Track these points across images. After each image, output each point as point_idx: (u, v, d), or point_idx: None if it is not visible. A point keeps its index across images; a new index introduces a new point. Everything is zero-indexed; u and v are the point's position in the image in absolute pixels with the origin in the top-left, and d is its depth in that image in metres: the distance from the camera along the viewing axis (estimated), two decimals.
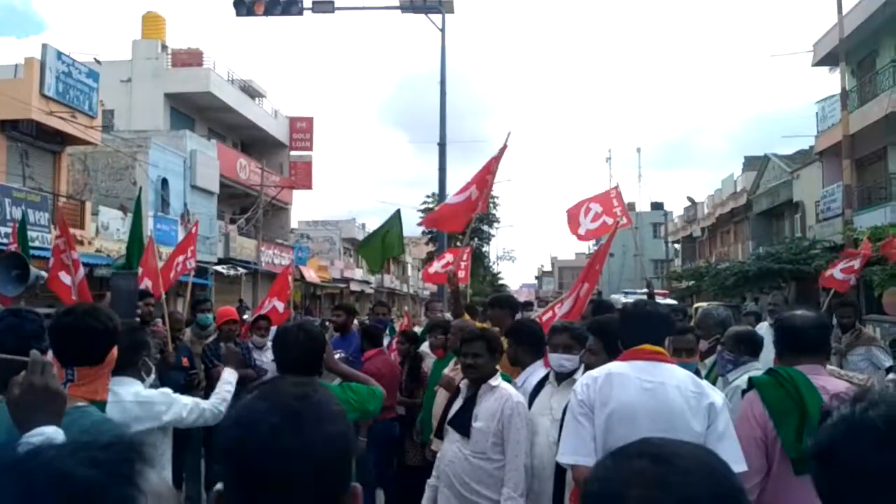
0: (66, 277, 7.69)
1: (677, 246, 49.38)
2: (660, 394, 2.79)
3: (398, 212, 9.25)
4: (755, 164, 33.28)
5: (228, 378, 3.71)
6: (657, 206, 52.33)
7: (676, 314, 10.58)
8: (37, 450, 0.65)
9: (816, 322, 3.09)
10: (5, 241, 13.40)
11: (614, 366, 2.95)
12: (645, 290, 20.47)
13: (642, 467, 0.99)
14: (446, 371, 4.99)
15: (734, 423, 2.89)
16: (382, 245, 9.10)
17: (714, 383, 4.39)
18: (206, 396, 6.41)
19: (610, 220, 7.06)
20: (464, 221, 7.23)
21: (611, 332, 3.37)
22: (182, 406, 3.18)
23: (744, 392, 3.15)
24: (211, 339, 6.93)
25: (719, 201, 37.78)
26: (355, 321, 7.57)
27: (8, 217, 15.01)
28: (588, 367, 3.39)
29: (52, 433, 1.59)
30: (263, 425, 1.07)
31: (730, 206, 35.44)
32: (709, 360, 4.88)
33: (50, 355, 2.28)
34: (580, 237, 7.45)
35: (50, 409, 1.62)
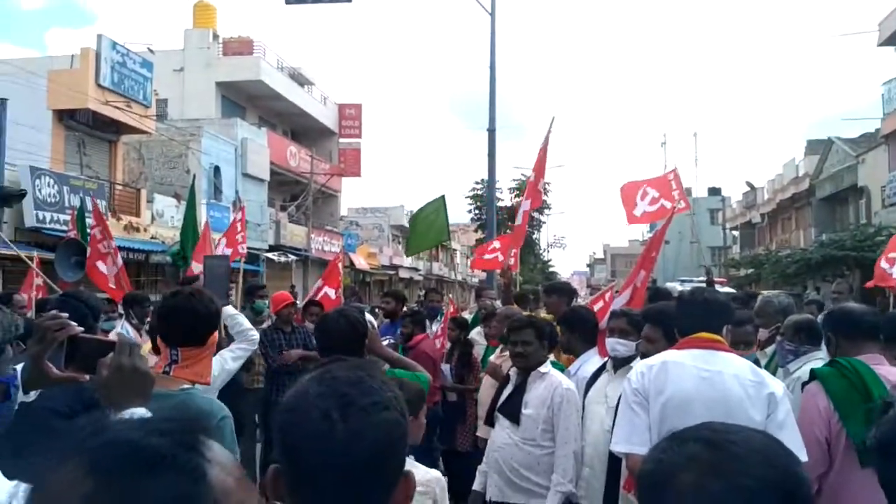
0: (103, 266, 7.76)
1: (735, 233, 48.20)
2: (717, 383, 2.73)
3: (443, 198, 9.09)
4: (818, 147, 32.25)
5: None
6: (714, 192, 51.00)
7: (736, 301, 10.20)
8: (106, 422, 0.71)
9: (872, 310, 3.13)
10: (65, 228, 13.69)
11: (670, 354, 2.89)
12: (702, 278, 19.93)
13: (696, 452, 0.99)
14: (492, 358, 5.05)
15: (795, 417, 2.84)
16: (426, 231, 8.95)
17: (774, 374, 4.22)
18: (266, 382, 6.44)
19: (668, 204, 6.80)
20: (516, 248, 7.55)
21: (670, 320, 3.29)
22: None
23: (804, 384, 3.07)
24: (267, 324, 6.91)
25: (780, 186, 36.72)
26: (404, 308, 7.55)
27: (67, 205, 15.35)
28: (645, 356, 3.32)
29: (141, 414, 1.56)
30: (315, 411, 1.07)
31: (791, 191, 34.42)
32: (769, 350, 4.64)
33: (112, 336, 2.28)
34: (635, 219, 7.20)
35: (138, 390, 1.65)
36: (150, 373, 1.69)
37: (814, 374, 3.00)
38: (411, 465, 2.77)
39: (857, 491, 2.61)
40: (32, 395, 1.71)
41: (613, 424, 3.48)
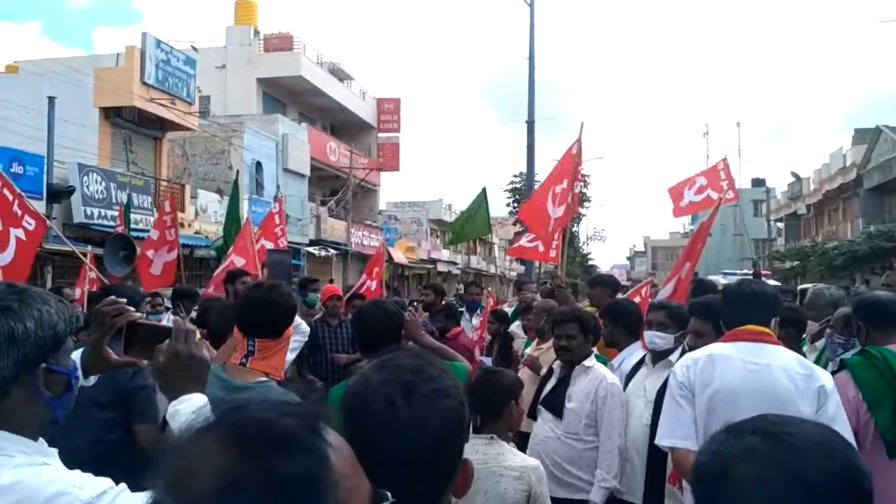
0: (151, 253, 7.94)
1: (780, 224, 47.18)
2: (765, 376, 2.66)
3: (484, 190, 9.09)
4: (865, 136, 31.32)
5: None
6: (758, 183, 49.89)
7: (784, 294, 9.98)
8: (243, 403, 0.75)
9: None
10: (113, 223, 14.01)
11: (716, 347, 2.83)
12: (746, 270, 19.58)
13: (755, 444, 0.98)
14: (529, 351, 5.05)
15: None
16: (468, 224, 8.98)
17: (825, 367, 4.12)
18: (318, 375, 6.52)
19: (715, 195, 6.69)
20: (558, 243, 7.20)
21: (718, 313, 3.22)
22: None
23: (833, 373, 2.99)
24: (318, 316, 7.00)
25: (826, 176, 35.79)
26: (443, 301, 7.57)
27: (114, 201, 15.71)
28: (692, 349, 3.24)
29: (197, 400, 1.63)
30: (378, 396, 1.09)
31: (838, 181, 33.53)
32: (819, 343, 4.53)
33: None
34: (681, 210, 7.10)
35: (194, 376, 1.66)
36: (205, 359, 1.71)
37: (843, 364, 2.97)
38: (511, 451, 2.90)
39: (884, 482, 2.55)
40: (92, 379, 1.76)
41: (652, 418, 3.45)
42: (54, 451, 1.41)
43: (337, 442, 0.74)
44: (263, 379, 2.49)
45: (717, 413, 2.63)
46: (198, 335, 1.74)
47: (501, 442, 2.90)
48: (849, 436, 2.52)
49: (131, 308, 1.75)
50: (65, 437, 2.44)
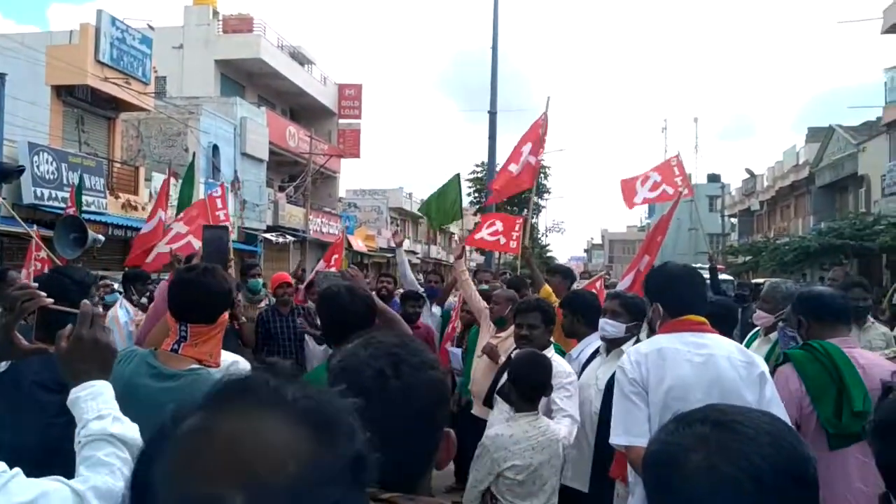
0: (163, 246, 7.72)
1: (734, 220, 48.18)
2: (711, 366, 2.67)
3: (457, 176, 9.02)
4: (819, 135, 32.14)
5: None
6: (714, 179, 50.89)
7: (742, 289, 10.15)
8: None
9: (841, 293, 3.16)
10: (63, 205, 13.62)
11: (662, 339, 2.80)
12: (700, 265, 19.90)
13: (704, 433, 0.99)
14: (489, 339, 5.03)
15: None
16: (440, 209, 8.90)
17: (777, 360, 4.21)
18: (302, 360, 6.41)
19: (671, 190, 6.79)
20: (530, 182, 7.46)
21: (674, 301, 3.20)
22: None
23: (776, 366, 3.05)
24: (264, 303, 6.84)
25: (780, 174, 36.67)
26: (399, 289, 7.63)
27: (65, 182, 15.26)
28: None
29: (101, 387, 1.58)
30: (368, 369, 1.13)
31: (791, 178, 34.38)
32: (773, 335, 4.64)
33: (118, 312, 2.22)
34: (634, 204, 7.20)
35: (99, 362, 1.61)
36: (110, 345, 1.64)
37: (787, 357, 3.01)
38: (552, 422, 3.34)
39: (823, 473, 2.60)
40: (3, 365, 1.70)
41: (601, 406, 3.46)
42: None
43: (357, 422, 0.75)
44: (195, 366, 2.40)
45: (671, 408, 2.59)
46: (105, 320, 1.68)
47: (542, 416, 3.34)
48: (785, 419, 2.60)
49: (42, 293, 1.69)
50: (12, 421, 2.35)
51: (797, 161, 34.51)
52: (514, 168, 7.27)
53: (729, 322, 4.11)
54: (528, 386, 3.33)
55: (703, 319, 2.81)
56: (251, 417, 0.65)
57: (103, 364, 1.61)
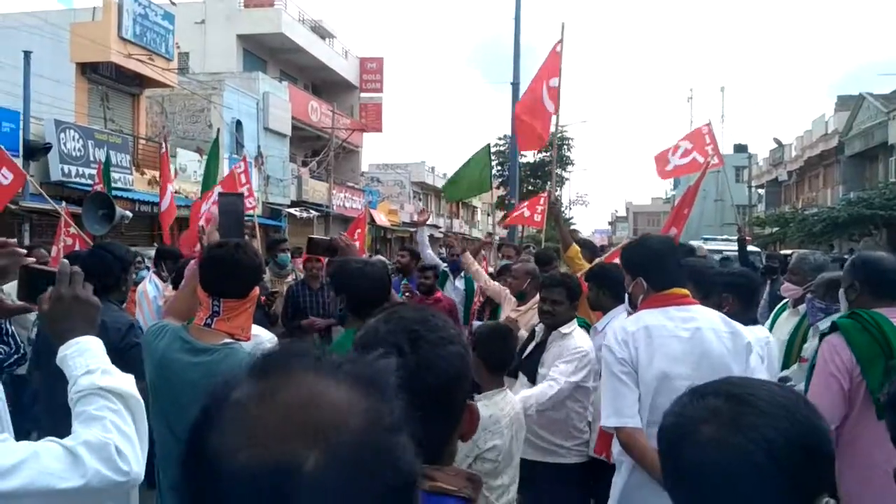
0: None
1: (761, 191, 47.45)
2: (698, 340, 2.66)
3: (487, 147, 8.92)
4: (849, 103, 31.43)
5: None
6: (740, 149, 49.99)
7: (772, 261, 10.00)
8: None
9: None
10: (90, 182, 13.76)
11: (647, 316, 2.74)
12: (726, 236, 19.68)
13: (717, 405, 1.00)
14: (509, 313, 5.05)
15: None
16: (468, 181, 8.81)
17: (806, 333, 4.20)
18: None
19: (701, 158, 6.69)
20: (545, 136, 7.45)
21: (702, 278, 3.27)
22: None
23: (822, 335, 2.98)
24: (291, 278, 6.86)
25: (808, 143, 35.98)
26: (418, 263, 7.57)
27: (92, 158, 15.40)
28: None
29: (87, 342, 1.55)
30: (386, 345, 1.13)
31: (820, 148, 33.71)
32: (801, 307, 4.58)
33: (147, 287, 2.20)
34: (666, 173, 7.10)
35: (82, 318, 1.59)
36: (93, 300, 1.62)
37: (835, 326, 2.93)
38: (508, 392, 3.10)
39: (871, 443, 2.59)
40: (33, 330, 1.73)
41: None
42: None
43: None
44: (229, 340, 2.44)
45: (662, 386, 2.60)
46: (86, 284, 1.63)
47: (506, 389, 3.13)
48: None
49: (22, 251, 1.69)
50: (48, 393, 2.42)
51: (826, 130, 33.82)
52: (547, 103, 7.24)
53: (751, 293, 4.03)
54: (496, 360, 3.09)
55: (685, 292, 2.79)
56: (306, 381, 0.67)
57: (88, 320, 1.59)
